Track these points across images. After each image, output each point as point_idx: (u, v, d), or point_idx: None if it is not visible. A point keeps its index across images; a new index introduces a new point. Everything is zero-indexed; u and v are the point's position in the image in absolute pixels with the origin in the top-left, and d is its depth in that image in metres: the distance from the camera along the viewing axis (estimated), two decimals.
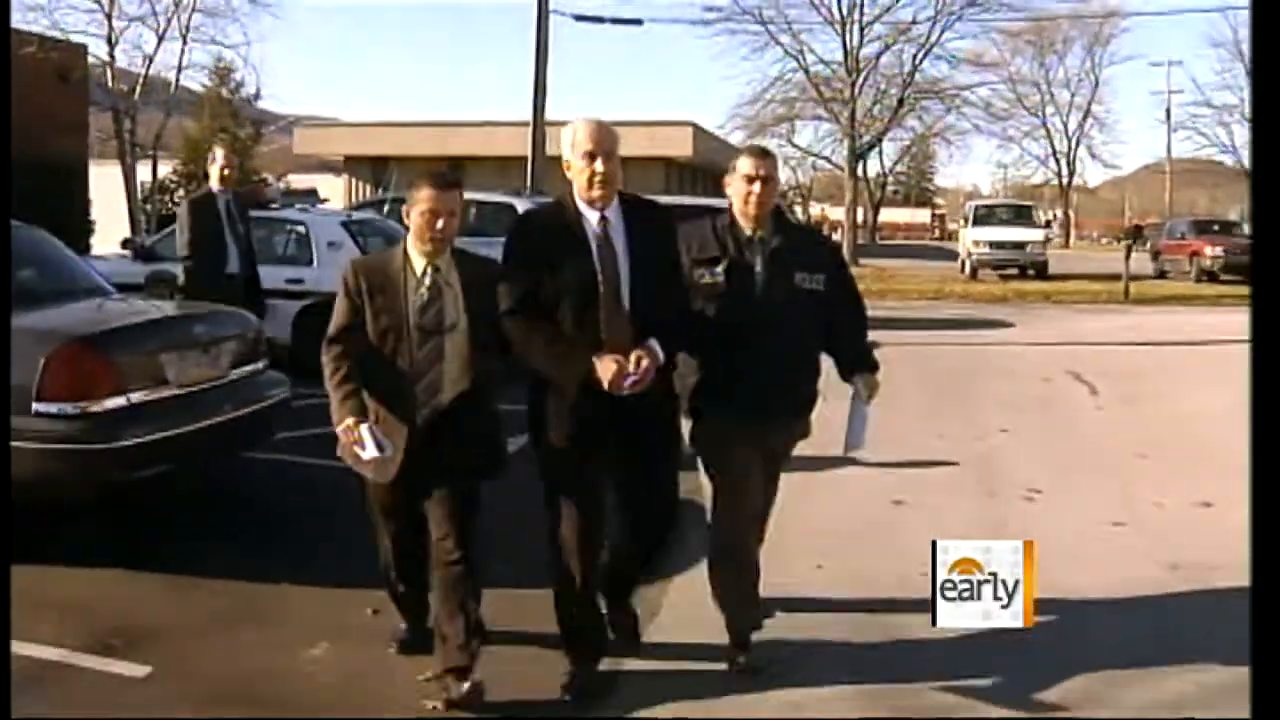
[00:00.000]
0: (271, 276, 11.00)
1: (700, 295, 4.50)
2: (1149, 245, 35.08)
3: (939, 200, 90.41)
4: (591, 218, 4.26)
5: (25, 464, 5.31)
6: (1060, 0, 57.64)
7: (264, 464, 7.26)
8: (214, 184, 9.25)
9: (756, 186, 4.56)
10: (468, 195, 17.22)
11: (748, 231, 4.62)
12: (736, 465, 4.60)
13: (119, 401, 5.65)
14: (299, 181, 35.37)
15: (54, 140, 21.50)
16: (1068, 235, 65.31)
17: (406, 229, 4.31)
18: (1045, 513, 6.95)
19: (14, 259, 6.60)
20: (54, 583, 5.38)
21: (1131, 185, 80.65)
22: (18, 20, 21.48)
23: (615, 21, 29.45)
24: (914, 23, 36.14)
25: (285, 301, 10.83)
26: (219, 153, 9.53)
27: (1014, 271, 31.31)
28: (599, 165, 4.20)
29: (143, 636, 4.82)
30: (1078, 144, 65.68)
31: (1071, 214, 78.66)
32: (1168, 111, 60.73)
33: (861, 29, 36.26)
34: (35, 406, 5.35)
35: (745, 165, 4.62)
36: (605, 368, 4.10)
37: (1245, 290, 26.15)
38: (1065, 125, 65.00)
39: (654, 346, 4.21)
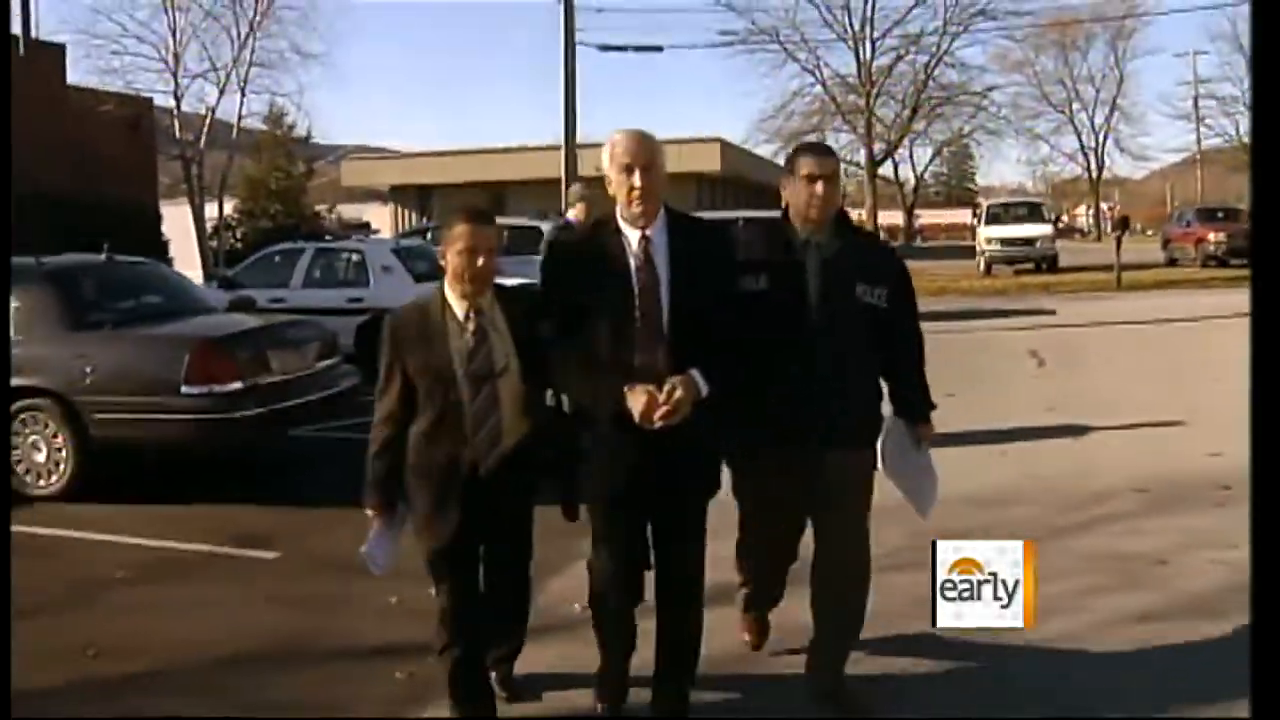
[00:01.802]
0: (336, 298, 13.36)
1: (744, 305, 4.05)
2: (1162, 234, 36.56)
3: (980, 200, 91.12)
4: (632, 237, 3.91)
5: (176, 429, 7.59)
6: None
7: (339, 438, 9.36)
8: None
9: (819, 187, 4.11)
10: (499, 220, 19.43)
11: (803, 235, 4.17)
12: (765, 500, 4.29)
13: (238, 385, 7.77)
14: (348, 211, 37.73)
15: (125, 185, 23.98)
16: (1099, 228, 66.15)
17: (441, 271, 4.02)
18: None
19: (147, 287, 8.93)
20: (196, 511, 7.52)
21: (1175, 175, 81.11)
22: (94, 81, 24.00)
23: (637, 49, 31.65)
24: (921, 35, 37.82)
25: (347, 318, 12.96)
26: None
27: (1029, 266, 32.76)
28: (637, 179, 3.85)
29: (266, 537, 6.89)
30: (1105, 138, 66.61)
31: (1107, 207, 79.71)
32: (1195, 102, 61.78)
33: (873, 43, 37.94)
34: (182, 389, 7.52)
35: (806, 164, 4.17)
36: (635, 399, 3.78)
37: (1238, 274, 27.87)
38: (1092, 120, 66.02)
39: (695, 377, 3.83)
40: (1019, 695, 4.33)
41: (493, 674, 4.31)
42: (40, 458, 7.82)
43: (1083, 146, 65.73)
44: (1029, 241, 32.82)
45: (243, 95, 24.88)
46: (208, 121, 24.58)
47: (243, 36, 24.18)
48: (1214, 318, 17.54)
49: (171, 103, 24.43)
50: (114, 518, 7.29)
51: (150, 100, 25.96)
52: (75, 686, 4.78)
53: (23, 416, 7.81)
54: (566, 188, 24.77)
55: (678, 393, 3.77)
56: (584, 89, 27.51)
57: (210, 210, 26.06)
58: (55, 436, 7.79)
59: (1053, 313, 20.09)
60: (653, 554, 4.11)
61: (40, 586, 6.02)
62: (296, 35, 24.93)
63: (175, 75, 23.98)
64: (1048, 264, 32.25)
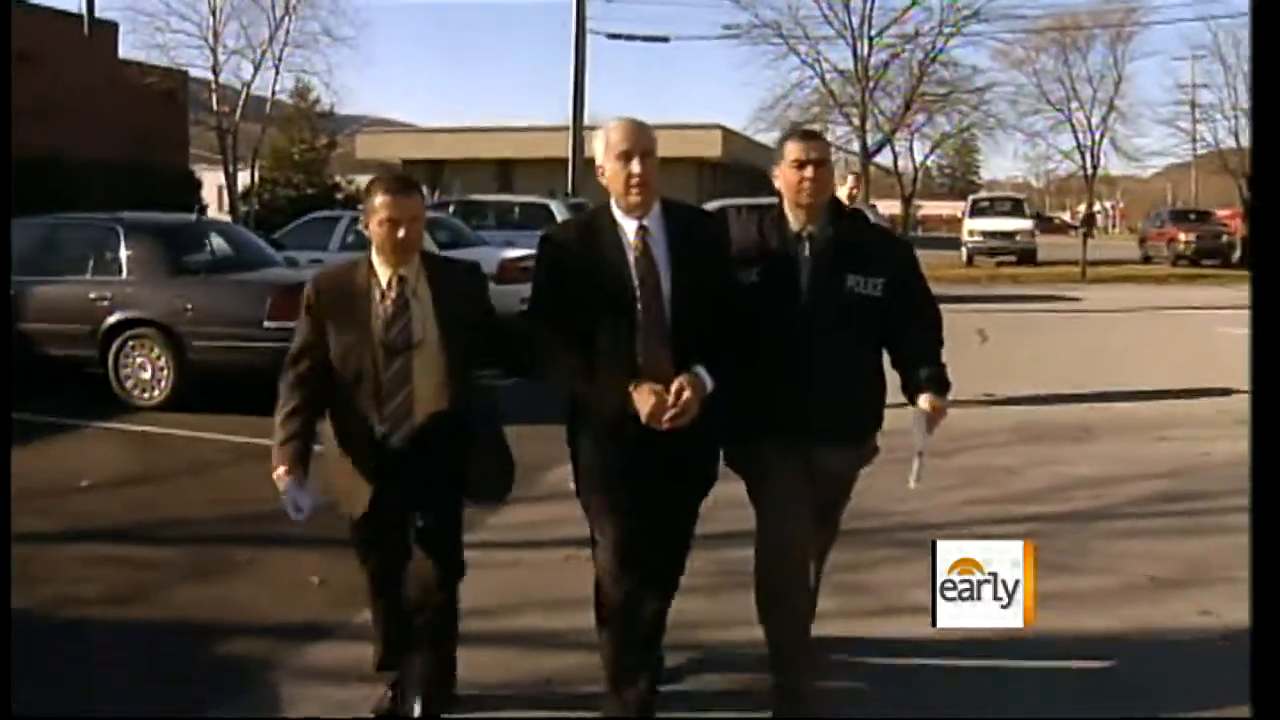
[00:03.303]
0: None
1: (740, 296, 3.96)
2: (1139, 233, 38.48)
3: (990, 193, 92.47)
4: (629, 228, 3.80)
5: (259, 355, 9.33)
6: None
7: None
8: None
9: (809, 171, 3.97)
10: (511, 197, 21.45)
11: (795, 226, 4.04)
12: (774, 497, 4.05)
13: None
14: (363, 182, 39.57)
15: (164, 152, 25.95)
16: (1091, 224, 67.67)
17: (366, 240, 3.89)
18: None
19: (223, 242, 10.88)
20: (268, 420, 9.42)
21: (1179, 175, 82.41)
22: (140, 55, 25.96)
23: (645, 39, 33.45)
24: (917, 34, 39.49)
25: None
26: None
27: (1013, 258, 34.62)
28: (635, 166, 3.74)
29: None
30: (1101, 138, 67.96)
31: (1110, 205, 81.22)
32: (1192, 105, 63.23)
33: (870, 40, 39.65)
34: (265, 323, 9.42)
35: (793, 149, 4.03)
36: (643, 399, 3.67)
37: (1201, 271, 29.90)
38: (1089, 119, 67.24)
39: (701, 375, 3.74)
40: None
41: (417, 702, 3.98)
42: (146, 375, 9.81)
43: (1079, 145, 67.10)
44: (1010, 235, 34.69)
45: (277, 73, 26.74)
46: (243, 96, 26.44)
47: (279, 18, 25.96)
48: (1159, 308, 19.76)
49: (210, 76, 26.23)
50: (205, 423, 9.21)
51: (186, 74, 27.82)
52: (217, 519, 6.71)
53: (132, 343, 9.79)
54: (572, 168, 26.72)
55: (686, 394, 3.67)
56: (592, 74, 29.30)
57: (243, 178, 27.93)
58: (159, 359, 9.75)
59: (1018, 299, 22.11)
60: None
61: (165, 464, 8.01)
62: (329, 19, 26.69)
63: (214, 52, 25.75)
64: (1025, 256, 34.19)
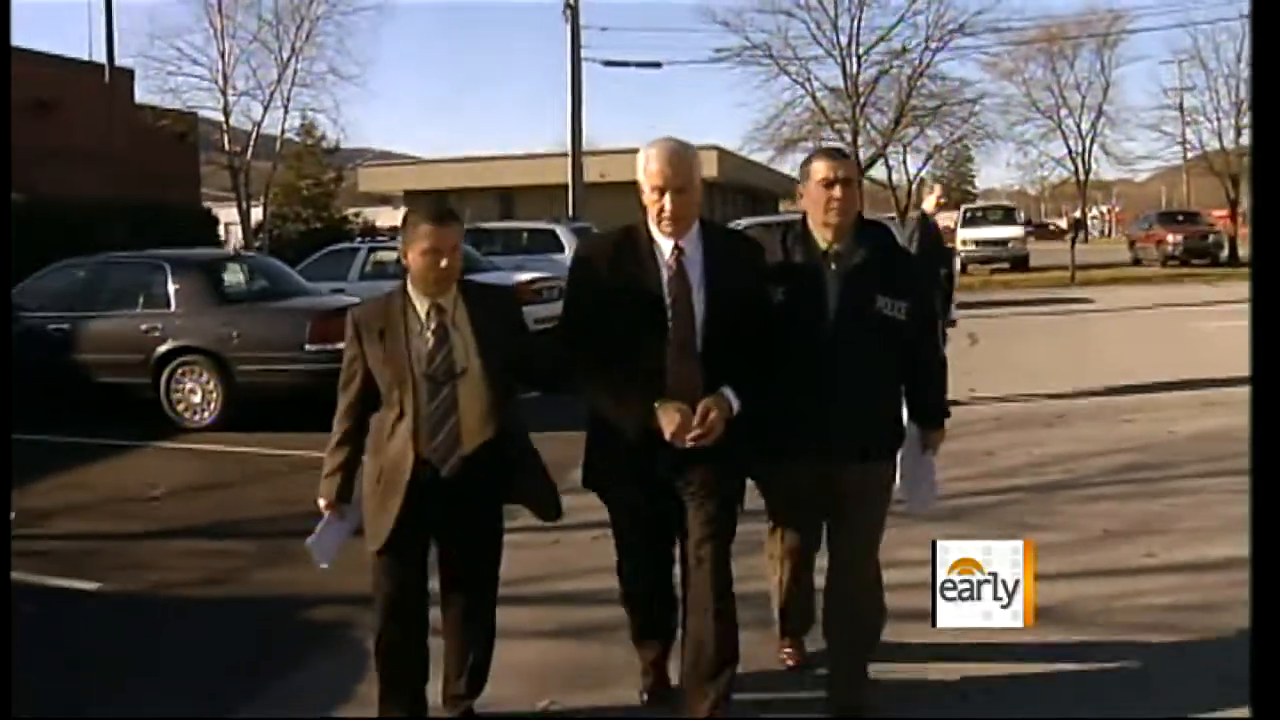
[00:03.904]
0: (387, 289, 16.20)
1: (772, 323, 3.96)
2: (1128, 236, 39.34)
3: (982, 203, 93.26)
4: (665, 246, 3.81)
5: (301, 377, 10.20)
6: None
7: None
8: None
9: (837, 190, 3.97)
10: (519, 224, 22.29)
11: (822, 245, 4.04)
12: (791, 513, 4.24)
13: None
14: (372, 214, 40.36)
15: (177, 190, 26.93)
16: (1084, 230, 68.32)
17: (405, 270, 3.86)
18: None
19: (260, 274, 11.77)
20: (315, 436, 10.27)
21: (1174, 178, 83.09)
22: (154, 99, 26.99)
23: (638, 65, 34.35)
24: (904, 50, 40.39)
25: None
26: None
27: (1006, 265, 35.44)
28: (668, 203, 3.75)
29: None
30: (1092, 143, 68.72)
31: (1103, 209, 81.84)
32: (1180, 108, 64.18)
33: (858, 58, 40.53)
34: (306, 347, 10.26)
35: (821, 168, 4.02)
36: (668, 418, 3.72)
37: (1189, 271, 30.72)
38: (1078, 126, 68.07)
39: (728, 396, 3.79)
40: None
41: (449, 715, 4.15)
42: (196, 399, 10.64)
43: (1070, 151, 67.96)
44: (1002, 243, 35.62)
45: (285, 112, 27.69)
46: (254, 135, 27.40)
47: (286, 59, 26.94)
48: (1137, 308, 20.60)
49: (220, 117, 27.17)
50: (254, 439, 10.01)
51: (196, 115, 28.79)
52: (280, 518, 7.47)
53: (183, 369, 10.63)
54: (572, 194, 27.57)
55: (712, 414, 3.72)
56: (589, 100, 30.12)
57: (256, 214, 28.86)
58: (208, 383, 10.59)
59: (1008, 304, 22.94)
60: (678, 564, 4.06)
61: (225, 475, 8.84)
62: (335, 59, 27.62)
63: (224, 94, 26.70)
64: (1017, 263, 35.07)
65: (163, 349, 10.70)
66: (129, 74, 26.74)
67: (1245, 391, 10.23)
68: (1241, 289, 25.43)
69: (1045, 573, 5.34)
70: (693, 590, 3.93)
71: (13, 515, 7.48)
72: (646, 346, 3.78)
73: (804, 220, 4.11)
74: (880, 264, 4.05)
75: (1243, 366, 10.62)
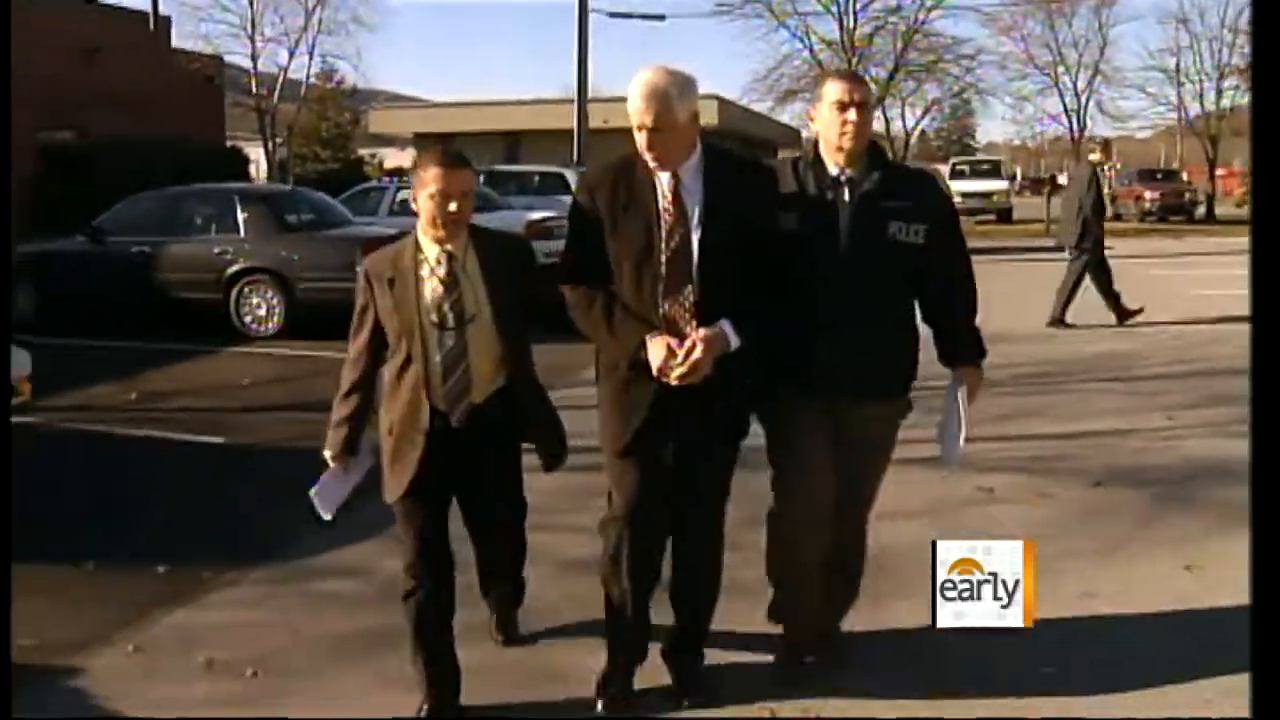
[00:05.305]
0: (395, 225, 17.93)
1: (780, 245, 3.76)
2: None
3: (983, 155, 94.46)
4: (663, 176, 3.66)
5: (353, 293, 11.96)
6: None
7: None
8: None
9: (851, 114, 3.75)
10: (531, 167, 23.90)
11: (834, 170, 3.83)
12: (798, 449, 3.89)
13: None
14: (389, 156, 41.97)
15: (205, 131, 28.65)
16: (1054, 185, 69.30)
17: (415, 213, 3.75)
18: None
19: (315, 206, 13.58)
20: None
21: (1172, 137, 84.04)
22: (188, 44, 28.70)
23: (643, 17, 35.76)
24: (899, 7, 41.73)
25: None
26: None
27: (992, 217, 37.07)
28: (643, 141, 3.61)
29: None
30: (1088, 101, 69.87)
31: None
32: (1176, 67, 65.30)
33: (855, 14, 41.81)
34: (357, 268, 11.95)
35: (835, 90, 3.81)
36: (655, 350, 3.59)
37: (1164, 227, 32.47)
38: (1075, 83, 69.20)
39: (724, 329, 3.62)
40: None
41: (492, 616, 4.41)
42: (261, 312, 12.49)
43: (1066, 108, 69.21)
44: (987, 195, 37.32)
45: (310, 58, 29.41)
46: (280, 79, 29.11)
47: (311, 7, 28.60)
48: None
49: (248, 63, 28.93)
50: (312, 345, 11.72)
51: (222, 59, 30.44)
52: None
53: (249, 287, 12.48)
54: (578, 139, 28.94)
55: (696, 353, 3.56)
56: (595, 49, 31.36)
57: (281, 153, 30.62)
58: (272, 299, 12.42)
59: (985, 251, 24.68)
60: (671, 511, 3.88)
61: (295, 371, 10.67)
62: (358, 8, 29.28)
63: (252, 39, 28.40)
64: (1002, 215, 36.78)
65: (233, 269, 12.55)
66: (166, 20, 28.41)
67: (1156, 326, 11.90)
68: (1203, 243, 27.30)
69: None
70: (682, 548, 4.00)
71: (133, 396, 9.39)
72: (640, 279, 3.68)
73: (816, 147, 3.93)
74: (893, 188, 3.84)
75: (1168, 307, 12.41)
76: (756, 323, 3.70)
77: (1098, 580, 5.03)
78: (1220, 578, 4.95)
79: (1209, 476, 6.58)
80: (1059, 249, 13.50)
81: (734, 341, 3.64)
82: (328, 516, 4.06)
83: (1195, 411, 8.31)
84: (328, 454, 3.96)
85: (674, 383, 3.60)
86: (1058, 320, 12.81)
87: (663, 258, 3.66)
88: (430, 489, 3.81)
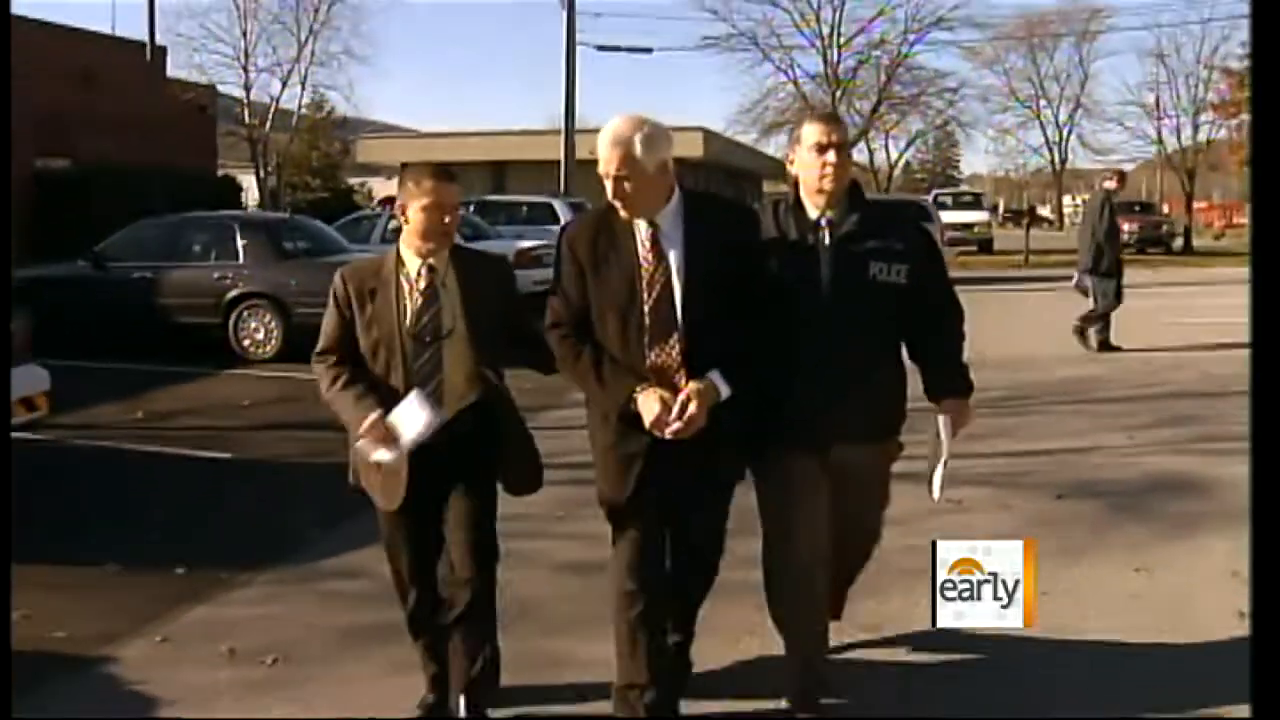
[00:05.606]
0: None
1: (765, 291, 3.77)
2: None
3: (965, 187, 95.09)
4: (640, 223, 3.66)
5: None
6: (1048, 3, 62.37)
7: None
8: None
9: (830, 155, 3.78)
10: (520, 197, 24.41)
11: (814, 213, 3.84)
12: (787, 491, 3.87)
13: None
14: (378, 185, 42.39)
15: (194, 159, 29.10)
16: (1033, 217, 70.27)
17: (396, 230, 3.71)
18: None
19: (310, 234, 14.00)
20: None
21: (1150, 169, 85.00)
22: (182, 74, 29.17)
23: (630, 50, 36.34)
24: (883, 41, 42.52)
25: None
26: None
27: (974, 248, 37.50)
28: (610, 188, 3.62)
29: None
30: (1070, 133, 70.88)
31: (1084, 198, 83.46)
32: (1156, 101, 66.31)
33: (839, 47, 42.56)
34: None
35: (813, 133, 3.84)
36: (648, 406, 3.58)
37: (1141, 258, 32.99)
38: (1056, 116, 70.21)
39: (715, 380, 3.62)
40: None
41: (460, 700, 3.90)
42: (259, 336, 12.88)
43: (1048, 141, 70.25)
44: (969, 226, 37.80)
45: (303, 88, 29.92)
46: (272, 109, 29.59)
47: (304, 39, 29.12)
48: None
49: (241, 93, 29.41)
50: (308, 369, 12.03)
51: (215, 88, 30.89)
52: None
53: (248, 311, 12.88)
54: (564, 171, 29.34)
55: (691, 407, 3.56)
56: (582, 81, 31.73)
57: (272, 182, 31.06)
58: (269, 323, 12.81)
59: (962, 282, 25.13)
60: (668, 548, 3.91)
61: (293, 393, 11.01)
62: (350, 40, 29.79)
63: (245, 70, 28.89)
64: (983, 246, 37.26)
65: (232, 294, 12.94)
66: (162, 50, 28.87)
67: (1125, 353, 12.39)
68: (1179, 274, 27.83)
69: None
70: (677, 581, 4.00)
71: (139, 415, 9.74)
72: (625, 329, 3.67)
73: (796, 190, 3.93)
74: (872, 230, 3.86)
75: (1137, 335, 12.84)
76: (745, 370, 3.70)
77: (1053, 580, 5.37)
78: (1167, 580, 5.40)
79: (1164, 490, 7.05)
80: (1081, 290, 14.00)
81: (724, 391, 3.64)
82: (434, 422, 3.71)
83: (1154, 431, 8.76)
84: (373, 416, 3.70)
85: (668, 437, 3.59)
86: (1105, 344, 13.31)
87: (645, 307, 3.66)
88: (420, 499, 3.83)
